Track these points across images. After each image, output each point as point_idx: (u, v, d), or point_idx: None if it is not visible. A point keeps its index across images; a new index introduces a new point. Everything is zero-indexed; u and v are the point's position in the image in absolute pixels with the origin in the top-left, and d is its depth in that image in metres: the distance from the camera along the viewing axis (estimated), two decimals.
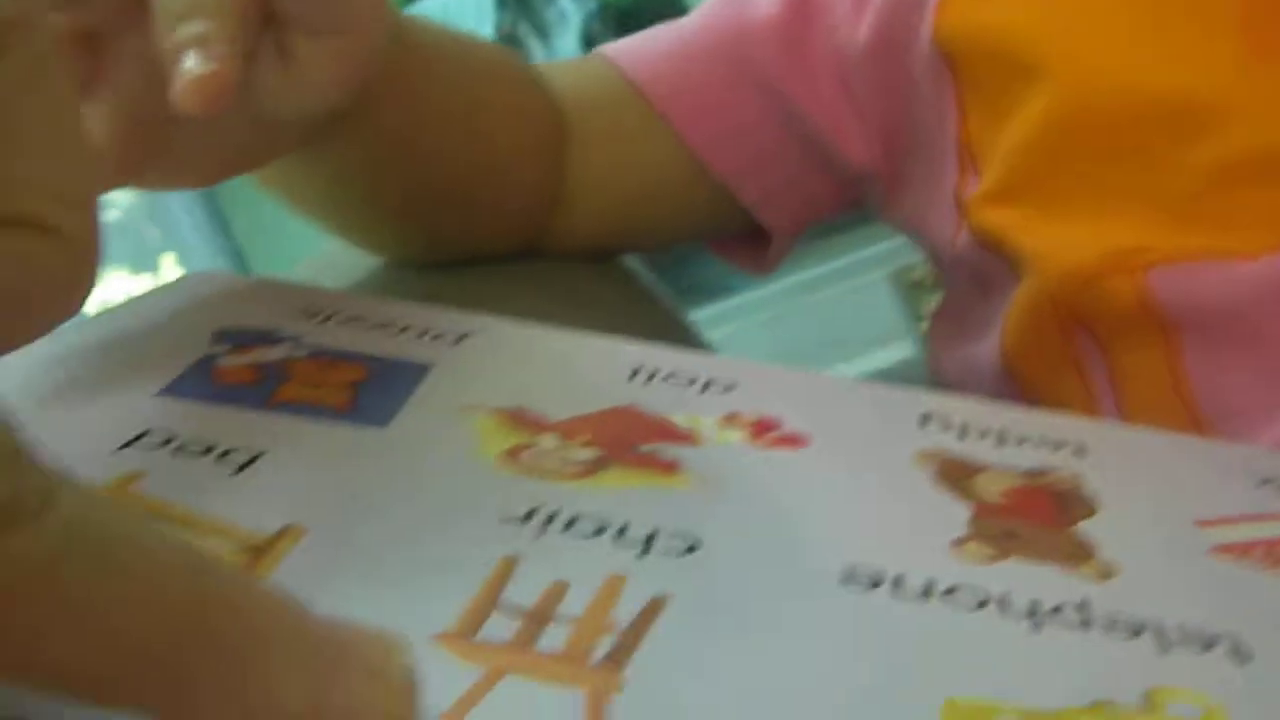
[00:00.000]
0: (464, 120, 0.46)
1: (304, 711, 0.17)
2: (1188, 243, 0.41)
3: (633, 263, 0.58)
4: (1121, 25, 0.43)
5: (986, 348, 0.48)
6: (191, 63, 0.29)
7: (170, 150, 0.34)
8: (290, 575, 0.23)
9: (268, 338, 0.32)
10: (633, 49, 0.53)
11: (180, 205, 1.66)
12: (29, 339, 0.18)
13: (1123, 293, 0.42)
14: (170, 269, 1.77)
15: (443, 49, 0.46)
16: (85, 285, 0.18)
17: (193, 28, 0.30)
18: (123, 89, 0.32)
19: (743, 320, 1.92)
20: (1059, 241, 0.43)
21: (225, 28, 0.30)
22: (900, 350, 1.74)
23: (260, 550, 0.24)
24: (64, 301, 0.18)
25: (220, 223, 1.70)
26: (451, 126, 0.45)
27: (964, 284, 0.51)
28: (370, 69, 0.35)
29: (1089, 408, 0.44)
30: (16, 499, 0.14)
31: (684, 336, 0.55)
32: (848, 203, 0.56)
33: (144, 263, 1.85)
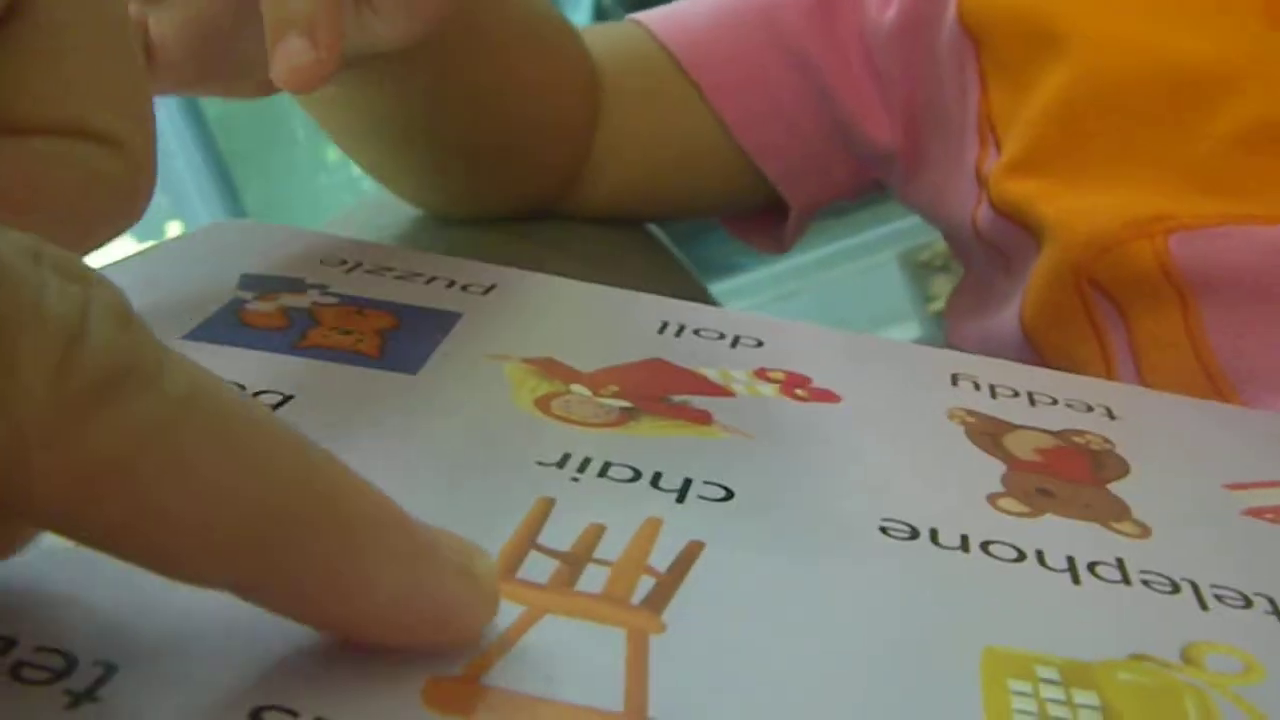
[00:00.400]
0: (518, 53, 0.46)
1: (397, 598, 0.17)
2: (1208, 209, 0.41)
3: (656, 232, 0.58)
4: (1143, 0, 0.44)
5: (1005, 319, 0.48)
6: (297, 46, 0.29)
7: (233, 61, 0.34)
8: None
9: (295, 284, 0.32)
10: (666, 15, 0.53)
11: (189, 173, 1.66)
12: (88, 248, 0.18)
13: (1143, 258, 0.42)
14: None
15: None
16: (143, 195, 0.18)
17: (301, 4, 0.29)
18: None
19: (750, 298, 1.92)
20: (1081, 209, 0.43)
21: (332, 9, 0.30)
22: (908, 330, 1.74)
23: None
24: (123, 211, 0.18)
25: (229, 192, 1.70)
26: (506, 56, 0.46)
27: (983, 260, 0.51)
28: (449, 8, 0.35)
29: (1108, 375, 0.44)
30: (137, 360, 0.15)
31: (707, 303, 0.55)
32: (865, 184, 0.56)
33: (150, 230, 1.85)
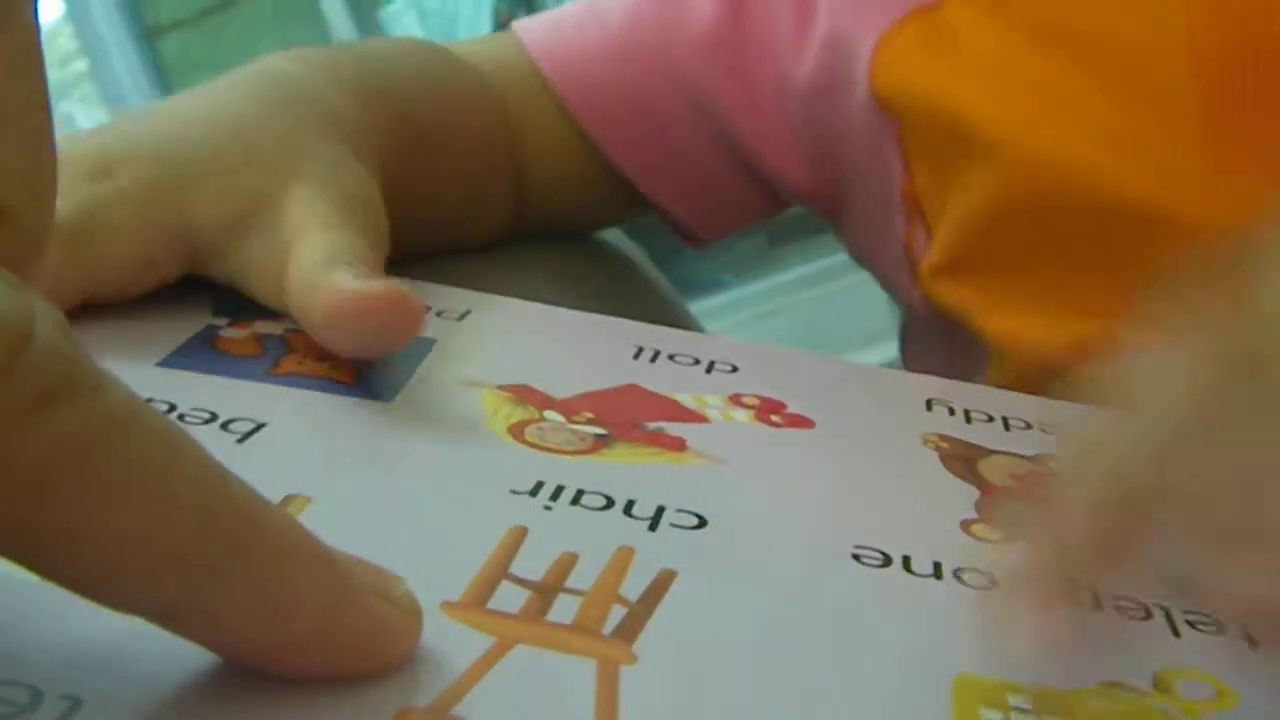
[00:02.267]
0: (444, 157, 0.44)
1: (324, 618, 0.17)
2: (1151, 329, 0.39)
3: (631, 252, 0.57)
4: (1073, 109, 0.40)
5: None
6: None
7: None
8: None
9: (270, 311, 0.32)
10: (555, 47, 0.49)
11: None
12: None
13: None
14: None
15: (419, 102, 0.43)
16: (33, 271, 0.18)
17: None
18: None
19: (731, 316, 1.93)
20: (1021, 328, 0.41)
21: None
22: (889, 349, 1.74)
23: None
24: None
25: None
26: (436, 174, 0.43)
27: (932, 338, 0.49)
28: None
29: None
30: (81, 370, 0.15)
31: (681, 323, 0.55)
32: (783, 209, 0.53)
33: None
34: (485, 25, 2.36)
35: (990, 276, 0.43)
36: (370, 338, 0.28)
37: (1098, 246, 0.40)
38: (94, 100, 2.16)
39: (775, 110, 0.47)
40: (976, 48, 0.41)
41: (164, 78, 2.19)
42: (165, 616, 0.17)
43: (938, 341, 0.48)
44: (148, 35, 2.19)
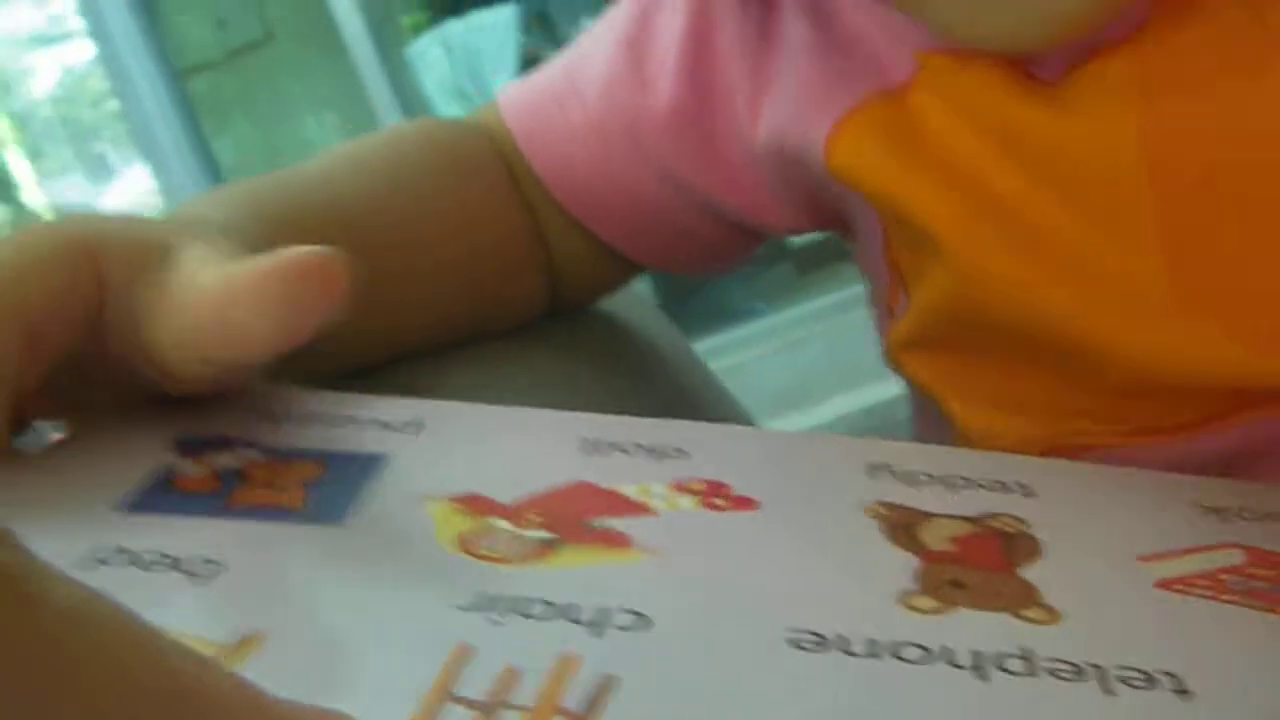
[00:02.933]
0: (455, 277, 0.47)
1: None
2: (1119, 427, 0.40)
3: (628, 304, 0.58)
4: (1034, 231, 0.38)
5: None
6: None
7: None
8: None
9: (226, 443, 0.33)
10: (535, 128, 0.51)
11: None
12: None
13: None
14: None
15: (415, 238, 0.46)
16: None
17: None
18: None
19: (759, 346, 1.94)
20: (986, 420, 0.42)
21: None
22: None
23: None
24: None
25: None
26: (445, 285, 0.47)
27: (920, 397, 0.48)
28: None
29: None
30: (23, 571, 0.15)
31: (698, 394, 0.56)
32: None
33: None
34: (510, 61, 2.39)
35: (950, 364, 0.43)
36: (289, 309, 0.29)
37: (1043, 363, 0.40)
38: (125, 140, 2.23)
39: (750, 179, 0.48)
40: (942, 151, 0.40)
41: (194, 117, 2.25)
42: None
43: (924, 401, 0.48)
44: (178, 76, 2.25)
